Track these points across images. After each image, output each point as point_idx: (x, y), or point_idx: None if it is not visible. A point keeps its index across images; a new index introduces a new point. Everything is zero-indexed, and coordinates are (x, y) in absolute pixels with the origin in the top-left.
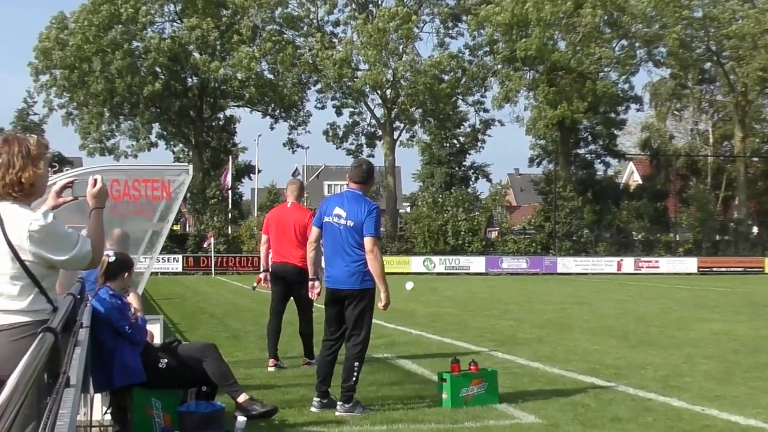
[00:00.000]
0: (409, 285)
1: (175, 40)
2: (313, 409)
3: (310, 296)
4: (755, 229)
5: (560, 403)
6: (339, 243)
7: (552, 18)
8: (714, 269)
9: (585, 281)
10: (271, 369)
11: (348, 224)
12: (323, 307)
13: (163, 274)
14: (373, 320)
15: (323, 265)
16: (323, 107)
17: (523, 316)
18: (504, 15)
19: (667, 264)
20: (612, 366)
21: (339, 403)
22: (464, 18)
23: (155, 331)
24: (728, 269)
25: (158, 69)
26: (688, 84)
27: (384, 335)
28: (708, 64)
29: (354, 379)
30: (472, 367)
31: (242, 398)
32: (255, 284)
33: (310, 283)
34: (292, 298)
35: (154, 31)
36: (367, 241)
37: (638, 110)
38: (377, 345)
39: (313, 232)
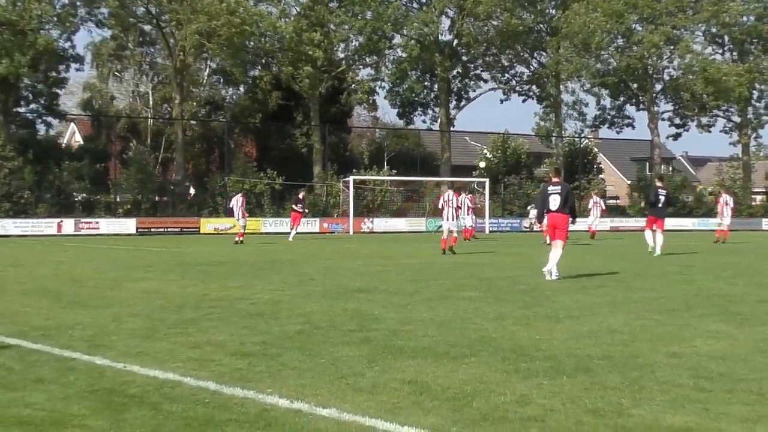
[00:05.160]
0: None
1: None
2: None
3: None
4: (192, 191)
5: None
6: None
7: None
8: (152, 230)
9: (24, 243)
10: None
11: None
12: None
13: None
14: None
15: None
16: None
17: None
18: None
19: (108, 225)
20: (41, 327)
21: None
22: None
23: None
24: (166, 230)
25: None
26: (129, 45)
27: None
28: (148, 27)
29: None
30: None
31: None
32: None
33: None
34: None
35: None
36: None
37: (78, 70)
38: None
39: None
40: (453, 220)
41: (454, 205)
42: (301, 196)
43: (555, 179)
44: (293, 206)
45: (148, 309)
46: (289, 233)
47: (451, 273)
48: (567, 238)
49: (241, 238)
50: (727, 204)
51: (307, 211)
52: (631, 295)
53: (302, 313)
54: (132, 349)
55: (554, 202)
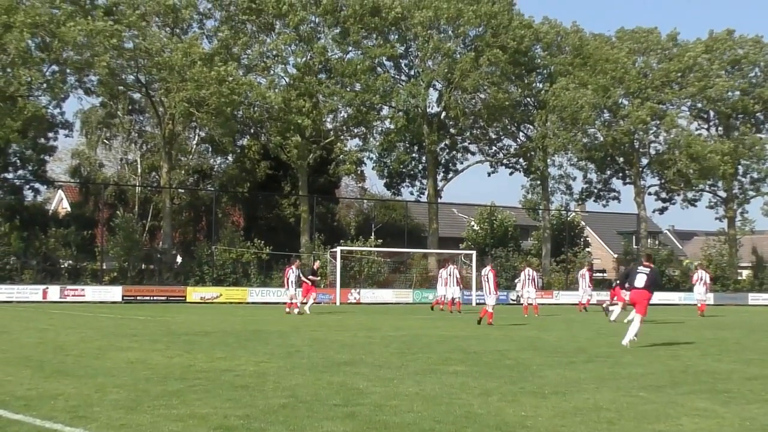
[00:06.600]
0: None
1: None
2: None
3: None
4: (179, 259)
5: None
6: None
7: None
8: (138, 298)
9: (9, 309)
10: None
11: None
12: None
13: None
14: None
15: None
16: None
17: None
18: None
19: (93, 292)
20: (23, 397)
21: None
22: None
23: None
24: (152, 298)
25: None
26: (118, 113)
27: None
28: (137, 95)
29: None
30: None
31: None
32: None
33: None
34: None
35: None
36: None
37: (67, 136)
38: None
39: None
40: (490, 294)
41: (491, 282)
42: (316, 266)
43: (645, 263)
44: (308, 277)
45: (133, 379)
46: (299, 304)
47: (437, 346)
48: (646, 313)
49: (288, 309)
50: (701, 279)
51: (319, 279)
52: (618, 370)
53: (287, 386)
54: (115, 421)
55: (641, 280)
